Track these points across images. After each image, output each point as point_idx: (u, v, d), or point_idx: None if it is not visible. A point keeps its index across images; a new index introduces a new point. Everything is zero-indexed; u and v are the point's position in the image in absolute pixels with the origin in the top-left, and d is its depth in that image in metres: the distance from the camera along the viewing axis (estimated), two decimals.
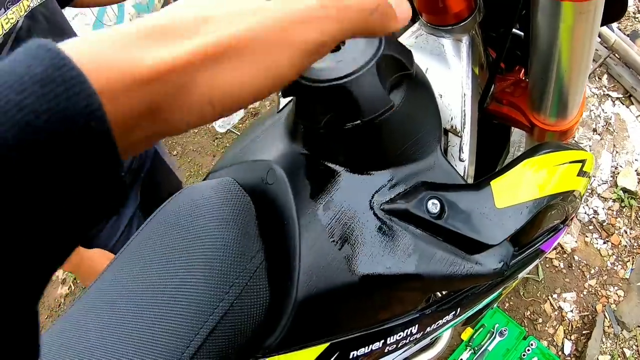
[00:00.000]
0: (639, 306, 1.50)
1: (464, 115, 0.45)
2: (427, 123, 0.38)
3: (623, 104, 2.01)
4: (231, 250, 0.34)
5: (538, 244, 0.51)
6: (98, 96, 0.18)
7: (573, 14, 0.41)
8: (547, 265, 1.66)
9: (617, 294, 1.55)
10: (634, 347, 1.45)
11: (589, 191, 1.82)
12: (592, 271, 1.62)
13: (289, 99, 0.46)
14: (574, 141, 0.62)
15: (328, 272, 0.34)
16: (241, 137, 0.49)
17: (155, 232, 0.39)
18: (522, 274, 0.55)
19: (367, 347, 0.39)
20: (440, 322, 0.44)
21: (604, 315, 1.51)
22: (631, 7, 2.44)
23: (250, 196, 0.38)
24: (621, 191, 1.74)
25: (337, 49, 0.33)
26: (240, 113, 2.49)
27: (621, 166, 1.83)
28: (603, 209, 1.76)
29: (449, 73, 0.46)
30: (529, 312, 1.58)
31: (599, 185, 1.82)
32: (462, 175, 0.41)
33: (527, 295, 1.60)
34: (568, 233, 1.72)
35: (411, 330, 0.41)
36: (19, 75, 0.17)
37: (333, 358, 0.37)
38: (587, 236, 1.70)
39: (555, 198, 0.41)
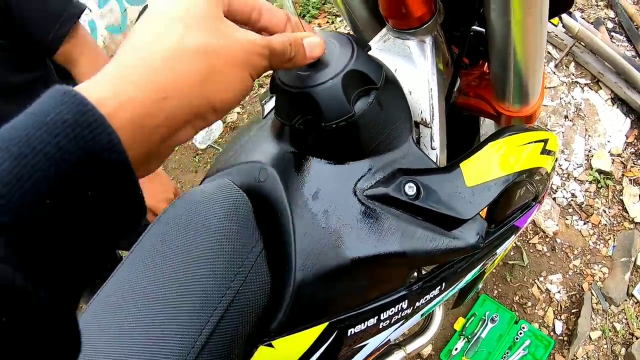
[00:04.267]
0: (624, 281, 1.57)
1: (432, 108, 0.50)
2: (398, 118, 0.43)
3: (592, 90, 2.10)
4: (233, 242, 0.38)
5: (512, 221, 0.56)
6: (116, 134, 0.24)
7: (522, 8, 0.46)
8: (531, 250, 1.73)
9: (601, 271, 1.63)
10: (624, 320, 1.52)
11: (566, 175, 1.89)
12: (576, 252, 1.69)
13: (272, 106, 0.51)
14: (537, 124, 0.67)
15: (321, 256, 0.38)
16: (230, 143, 0.54)
17: (159, 233, 0.43)
18: (501, 250, 0.60)
19: (363, 324, 0.43)
20: (428, 297, 0.48)
21: (591, 293, 1.58)
22: None
23: (246, 194, 0.42)
24: (596, 173, 1.83)
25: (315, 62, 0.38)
26: (220, 129, 2.53)
27: (594, 149, 1.92)
28: (580, 191, 1.84)
29: (416, 71, 0.51)
30: (517, 297, 1.64)
31: (574, 169, 1.90)
32: (434, 161, 0.46)
33: (514, 281, 1.66)
34: (549, 218, 1.79)
35: (402, 306, 0.45)
36: (54, 121, 0.22)
37: (333, 337, 0.41)
38: (567, 219, 1.78)
39: (521, 175, 0.47)
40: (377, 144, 0.41)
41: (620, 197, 1.77)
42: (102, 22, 2.79)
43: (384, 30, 0.55)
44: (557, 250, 1.71)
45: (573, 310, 1.57)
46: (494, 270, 1.70)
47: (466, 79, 0.71)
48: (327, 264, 0.38)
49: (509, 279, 1.67)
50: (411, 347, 0.74)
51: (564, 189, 1.86)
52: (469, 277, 0.55)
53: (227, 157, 0.50)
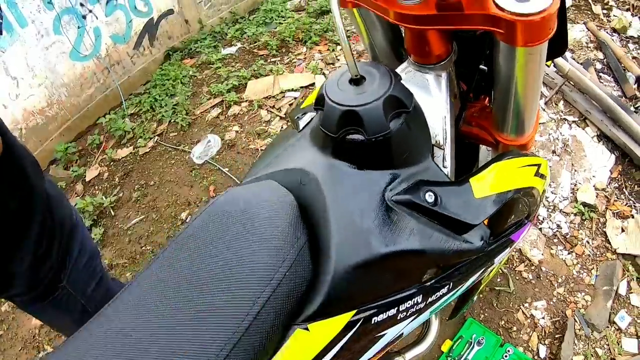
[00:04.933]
0: (606, 308, 1.67)
1: (445, 133, 0.60)
2: (421, 138, 0.53)
3: (579, 127, 2.25)
4: (282, 233, 0.47)
5: (508, 235, 0.66)
6: None
7: (524, 55, 0.57)
8: (517, 277, 1.83)
9: (584, 299, 1.73)
10: (605, 346, 1.62)
11: (552, 207, 2.02)
12: (560, 280, 1.80)
13: (307, 121, 0.60)
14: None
15: (355, 250, 0.47)
16: (266, 152, 0.63)
17: (204, 225, 0.51)
18: (498, 260, 0.69)
19: (384, 314, 0.51)
20: (438, 294, 0.57)
21: (574, 319, 1.68)
22: (584, 37, 2.75)
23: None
24: (581, 205, 1.96)
25: (358, 82, 0.48)
26: (218, 145, 2.62)
27: (580, 183, 2.05)
28: (565, 222, 1.96)
29: (432, 101, 0.61)
30: (503, 322, 1.73)
31: (560, 201, 2.02)
32: (448, 177, 0.55)
33: (500, 306, 1.75)
34: (535, 247, 1.91)
35: (417, 300, 0.54)
36: None
37: (359, 324, 0.49)
38: (552, 248, 1.89)
39: (519, 192, 0.57)
40: (404, 158, 0.51)
41: (604, 229, 1.90)
42: (107, 30, 2.89)
43: (406, 63, 0.65)
44: (542, 278, 1.81)
45: (557, 336, 1.66)
46: (481, 296, 1.80)
47: (470, 111, 0.82)
48: (359, 257, 0.47)
49: (495, 304, 1.76)
50: (410, 355, 0.82)
51: (550, 220, 1.98)
52: (470, 281, 0.64)
53: (266, 163, 0.59)
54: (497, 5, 0.50)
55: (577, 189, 2.03)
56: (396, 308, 0.53)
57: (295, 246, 0.47)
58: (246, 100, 2.96)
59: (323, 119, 0.51)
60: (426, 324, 0.86)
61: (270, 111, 2.84)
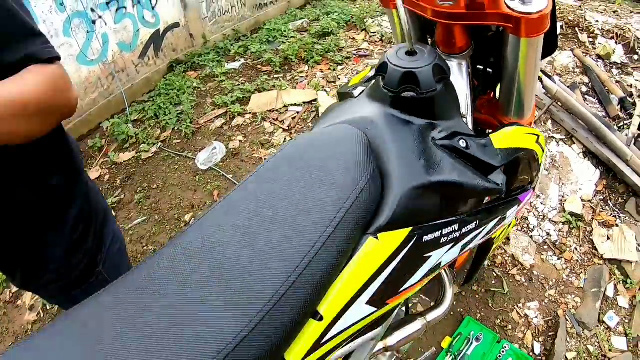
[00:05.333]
0: (595, 309, 1.83)
1: (467, 106, 0.79)
2: (454, 100, 0.71)
3: (566, 144, 2.47)
4: (359, 159, 0.63)
5: (517, 193, 0.84)
6: None
7: (526, 45, 0.77)
8: (511, 280, 1.99)
9: (574, 300, 1.89)
10: (596, 343, 1.76)
11: (542, 217, 2.21)
12: (551, 283, 1.96)
13: (361, 91, 0.78)
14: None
15: (413, 177, 0.63)
16: (326, 114, 0.79)
17: (289, 155, 0.64)
18: (509, 216, 0.87)
19: (432, 235, 0.67)
20: (469, 227, 0.73)
21: (566, 318, 1.82)
22: (571, 63, 3.02)
23: None
24: (569, 215, 2.15)
25: (412, 54, 0.66)
26: (223, 153, 2.78)
27: (567, 195, 2.26)
28: (555, 231, 2.15)
29: (457, 82, 0.80)
30: (499, 321, 1.88)
31: (549, 211, 2.22)
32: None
33: (495, 306, 1.90)
34: (527, 253, 2.09)
35: (454, 228, 0.69)
36: None
37: (413, 240, 0.66)
38: (543, 254, 2.07)
39: (524, 150, 0.75)
40: (443, 113, 0.68)
41: (591, 237, 2.09)
42: (114, 37, 3.05)
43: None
44: (534, 281, 1.97)
45: (550, 334, 1.81)
46: (477, 296, 1.96)
47: (479, 101, 1.02)
48: (417, 182, 0.63)
49: (491, 305, 1.92)
50: (430, 317, 0.94)
51: (540, 229, 2.17)
52: (491, 226, 0.81)
53: (332, 116, 0.75)
54: (508, 7, 0.70)
55: (565, 201, 2.22)
56: (440, 231, 0.68)
57: (369, 170, 0.62)
58: (250, 113, 3.12)
59: (386, 80, 0.69)
60: (443, 291, 1.01)
61: (274, 123, 3.00)
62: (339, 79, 3.34)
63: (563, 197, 2.27)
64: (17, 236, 0.94)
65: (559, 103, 2.54)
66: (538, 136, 0.83)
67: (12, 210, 0.90)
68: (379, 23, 4.11)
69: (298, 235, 0.56)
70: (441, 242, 0.69)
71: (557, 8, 3.12)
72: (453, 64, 0.82)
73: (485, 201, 0.74)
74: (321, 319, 0.55)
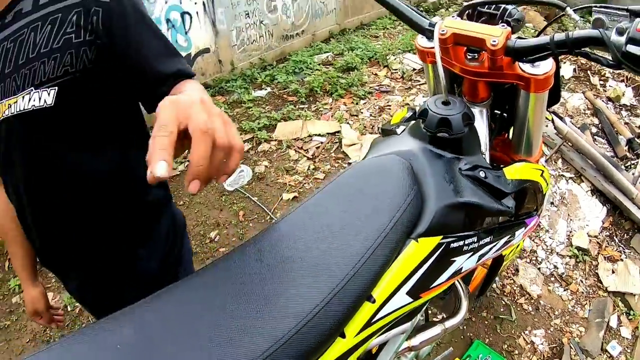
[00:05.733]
0: (599, 338, 1.97)
1: (486, 145, 1.00)
2: (477, 140, 0.92)
3: (575, 182, 2.64)
4: (406, 182, 0.82)
5: (524, 217, 1.04)
6: None
7: (534, 98, 0.98)
8: (519, 309, 2.14)
9: (579, 330, 2.03)
10: None
11: (550, 250, 2.38)
12: (556, 312, 2.11)
13: (403, 128, 0.99)
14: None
15: (445, 198, 0.82)
16: (373, 147, 0.99)
17: (352, 177, 0.84)
18: (517, 237, 1.06)
19: (457, 243, 0.84)
20: (485, 240, 0.92)
21: (570, 346, 1.96)
22: (582, 105, 3.23)
23: None
24: (576, 249, 2.31)
25: (447, 104, 0.88)
26: (249, 176, 2.99)
27: (575, 230, 2.43)
28: (562, 264, 2.31)
29: (479, 125, 1.01)
30: (506, 346, 2.02)
31: (557, 245, 2.38)
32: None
33: (503, 332, 2.05)
34: (534, 283, 2.25)
35: (474, 240, 0.88)
36: None
37: (443, 246, 0.83)
38: (549, 286, 2.22)
39: (530, 182, 0.96)
40: (468, 150, 0.89)
41: (596, 271, 2.25)
42: None
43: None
44: (540, 310, 2.12)
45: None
46: (486, 322, 2.12)
47: (495, 141, 1.22)
48: (448, 201, 0.82)
49: (499, 330, 2.07)
50: (448, 324, 1.06)
51: (548, 261, 2.34)
52: (502, 242, 1.00)
53: (381, 148, 0.94)
54: (521, 69, 0.92)
55: (572, 235, 2.39)
56: (463, 241, 0.86)
57: (413, 190, 0.80)
58: (275, 140, 3.33)
59: (426, 123, 0.90)
60: (459, 303, 1.19)
61: (298, 151, 3.21)
62: (361, 112, 3.56)
63: (571, 232, 2.44)
64: (112, 251, 1.03)
65: (569, 143, 2.72)
66: (543, 171, 1.04)
67: (111, 226, 0.99)
68: (401, 60, 4.36)
69: (362, 235, 0.75)
70: (463, 250, 0.88)
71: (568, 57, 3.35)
72: (476, 111, 1.03)
73: (498, 221, 0.94)
74: (374, 301, 0.74)
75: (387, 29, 6.46)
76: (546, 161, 2.85)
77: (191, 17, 4.65)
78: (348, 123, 3.44)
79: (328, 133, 3.37)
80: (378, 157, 0.90)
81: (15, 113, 0.81)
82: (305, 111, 3.66)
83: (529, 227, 1.09)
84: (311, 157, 3.15)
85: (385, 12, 7.34)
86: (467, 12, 1.08)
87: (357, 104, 3.71)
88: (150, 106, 0.90)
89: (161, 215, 1.08)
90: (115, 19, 0.82)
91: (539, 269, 2.32)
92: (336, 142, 3.27)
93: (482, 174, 0.87)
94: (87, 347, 0.59)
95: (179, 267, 1.15)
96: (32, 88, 0.80)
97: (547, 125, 2.99)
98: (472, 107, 1.02)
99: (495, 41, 0.87)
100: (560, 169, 2.77)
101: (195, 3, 4.68)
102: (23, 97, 0.80)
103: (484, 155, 0.98)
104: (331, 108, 3.70)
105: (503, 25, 0.91)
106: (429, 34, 1.00)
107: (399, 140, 0.94)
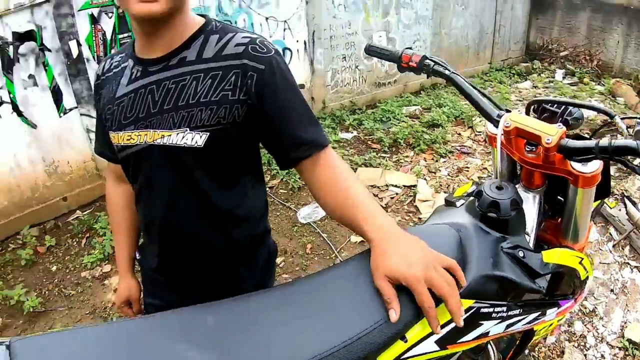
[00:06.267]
0: None
1: (532, 228, 1.16)
2: (522, 224, 1.10)
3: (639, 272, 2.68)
4: (454, 248, 0.98)
5: (557, 298, 1.19)
6: None
7: (582, 193, 1.13)
8: None
9: None
10: None
11: (600, 338, 2.41)
12: None
13: (462, 203, 1.18)
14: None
15: (484, 269, 0.98)
16: (434, 215, 1.19)
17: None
18: (549, 315, 1.19)
19: (487, 309, 0.98)
20: (514, 312, 1.06)
21: None
22: None
23: None
24: (627, 342, 2.34)
25: (500, 188, 1.06)
26: (323, 213, 3.23)
27: (630, 322, 2.45)
28: (610, 354, 2.34)
29: (528, 210, 1.17)
30: None
31: (608, 334, 2.42)
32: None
33: None
34: None
35: (504, 309, 1.03)
36: None
37: (474, 309, 0.96)
38: None
39: (566, 267, 1.11)
40: (513, 231, 1.06)
41: None
42: None
43: (519, 185, 1.23)
44: None
45: None
46: None
47: (547, 223, 1.37)
48: (485, 273, 0.99)
49: None
50: None
51: (596, 349, 2.37)
52: (532, 317, 1.13)
53: (440, 217, 1.14)
54: (571, 165, 1.08)
55: (626, 327, 2.42)
56: (493, 309, 1.00)
57: (457, 257, 0.99)
58: None
59: (479, 203, 1.08)
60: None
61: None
62: (440, 170, 3.75)
63: (625, 323, 2.46)
64: (219, 272, 1.17)
65: (639, 230, 2.74)
66: (582, 258, 1.18)
67: (224, 250, 1.14)
68: (485, 123, 4.48)
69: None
70: (492, 316, 1.04)
71: None
72: (529, 196, 1.20)
73: (530, 297, 1.10)
74: (406, 341, 0.91)
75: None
76: (613, 246, 2.88)
77: (292, 53, 5.11)
78: (425, 179, 3.63)
79: (404, 185, 3.56)
80: (434, 225, 1.10)
81: (168, 144, 0.97)
82: (386, 160, 3.90)
83: (562, 308, 1.23)
84: (384, 205, 3.37)
85: (477, 71, 7.52)
86: (533, 106, 1.26)
87: (437, 161, 3.90)
88: (282, 163, 1.06)
89: (263, 244, 1.23)
90: (266, 84, 0.96)
91: (585, 355, 2.36)
92: (410, 196, 3.45)
93: (520, 254, 1.04)
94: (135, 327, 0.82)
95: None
96: (187, 129, 0.96)
97: (619, 209, 3.01)
98: (527, 192, 1.20)
99: (549, 140, 1.04)
100: (626, 256, 2.79)
101: (297, 41, 5.12)
102: (177, 133, 0.96)
103: (528, 236, 1.15)
104: (411, 161, 3.91)
105: (559, 125, 1.07)
106: (495, 124, 1.18)
107: (456, 212, 1.13)
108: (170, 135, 0.97)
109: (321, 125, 1.06)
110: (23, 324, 2.80)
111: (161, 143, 0.98)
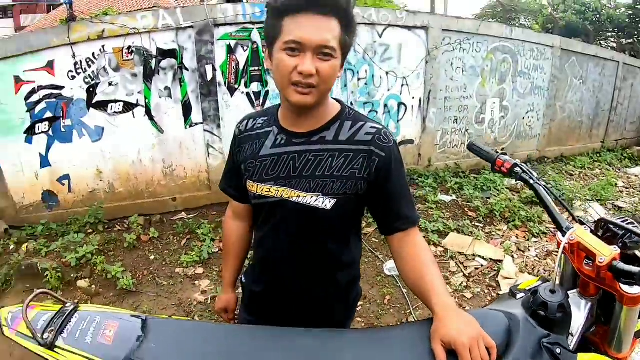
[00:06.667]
0: None
1: (577, 330, 1.40)
2: (566, 326, 1.34)
3: None
4: (501, 331, 1.22)
5: None
6: None
7: (627, 310, 1.35)
8: None
9: None
10: None
11: None
12: None
13: (521, 296, 1.46)
14: None
15: (521, 356, 1.25)
16: (496, 302, 1.45)
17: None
18: None
19: None
20: None
21: None
22: None
23: None
24: None
25: (553, 292, 1.34)
26: None
27: None
28: None
29: (576, 314, 1.40)
30: None
31: None
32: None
33: None
34: None
35: None
36: None
37: None
38: None
39: None
40: (556, 329, 1.30)
41: None
42: None
43: (575, 290, 1.47)
44: None
45: None
46: None
47: (597, 328, 1.55)
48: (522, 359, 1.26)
49: None
50: None
51: None
52: None
53: (499, 304, 1.36)
54: (619, 285, 1.30)
55: None
56: None
57: (504, 341, 1.19)
58: (443, 247, 3.74)
59: (533, 300, 1.32)
60: None
61: (459, 265, 3.55)
62: (529, 250, 3.81)
63: None
64: (315, 308, 1.38)
65: None
66: None
67: (324, 290, 1.37)
68: (585, 209, 4.47)
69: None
70: None
71: None
72: (582, 302, 1.44)
73: None
74: None
75: (585, 169, 6.49)
76: None
77: (406, 109, 5.45)
78: (513, 256, 3.70)
79: (491, 259, 3.65)
80: (490, 310, 1.40)
81: (302, 203, 1.21)
82: (478, 230, 4.01)
83: None
84: (467, 275, 3.48)
85: (588, 149, 7.30)
86: (601, 223, 1.51)
87: (528, 239, 3.96)
88: (384, 229, 1.31)
89: (355, 287, 1.48)
90: (385, 168, 1.21)
91: None
92: (495, 270, 3.54)
93: (558, 350, 1.29)
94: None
95: (349, 321, 1.55)
96: (320, 194, 1.20)
97: None
98: (580, 298, 1.45)
99: (602, 259, 1.25)
100: None
101: (413, 97, 5.45)
102: (312, 196, 1.20)
103: (571, 337, 1.40)
104: (503, 235, 4.00)
105: (615, 248, 1.28)
106: (563, 234, 1.42)
107: (514, 303, 1.41)
108: (305, 197, 1.21)
109: (416, 206, 1.32)
110: (112, 297, 3.20)
111: (296, 201, 1.22)
